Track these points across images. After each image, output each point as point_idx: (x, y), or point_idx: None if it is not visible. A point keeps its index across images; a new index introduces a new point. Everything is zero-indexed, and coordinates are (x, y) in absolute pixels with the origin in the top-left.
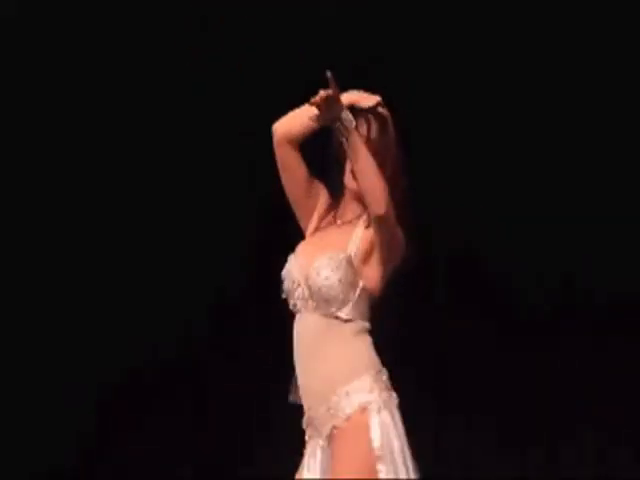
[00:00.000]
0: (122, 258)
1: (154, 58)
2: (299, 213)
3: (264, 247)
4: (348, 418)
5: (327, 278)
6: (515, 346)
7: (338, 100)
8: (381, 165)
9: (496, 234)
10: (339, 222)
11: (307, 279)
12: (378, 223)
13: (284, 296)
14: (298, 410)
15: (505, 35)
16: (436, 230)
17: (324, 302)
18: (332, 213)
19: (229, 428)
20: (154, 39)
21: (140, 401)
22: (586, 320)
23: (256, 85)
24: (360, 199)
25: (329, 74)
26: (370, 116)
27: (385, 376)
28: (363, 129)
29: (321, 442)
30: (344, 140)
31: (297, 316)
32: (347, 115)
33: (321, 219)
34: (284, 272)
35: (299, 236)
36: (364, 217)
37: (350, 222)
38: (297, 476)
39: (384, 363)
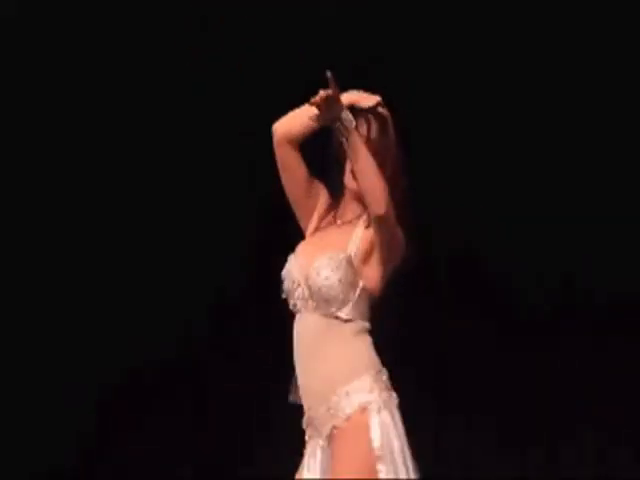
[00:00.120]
0: (122, 258)
1: (154, 58)
2: (299, 213)
3: (264, 247)
4: (348, 418)
5: (327, 278)
6: (515, 346)
7: (338, 100)
8: (381, 165)
9: (496, 234)
10: (339, 222)
11: (307, 279)
12: (378, 223)
13: (284, 296)
14: (298, 410)
15: (505, 35)
16: (436, 230)
17: (324, 302)
18: (332, 213)
19: (229, 428)
20: (154, 39)
21: (140, 401)
22: (586, 320)
23: (256, 85)
24: (360, 199)
25: (329, 74)
26: (370, 116)
27: (385, 376)
28: (363, 129)
29: (321, 442)
30: (344, 140)
31: (297, 316)
32: (347, 115)
33: (321, 219)
34: (284, 272)
35: (299, 236)
36: (364, 217)
37: (350, 222)
38: (297, 476)
39: (384, 363)
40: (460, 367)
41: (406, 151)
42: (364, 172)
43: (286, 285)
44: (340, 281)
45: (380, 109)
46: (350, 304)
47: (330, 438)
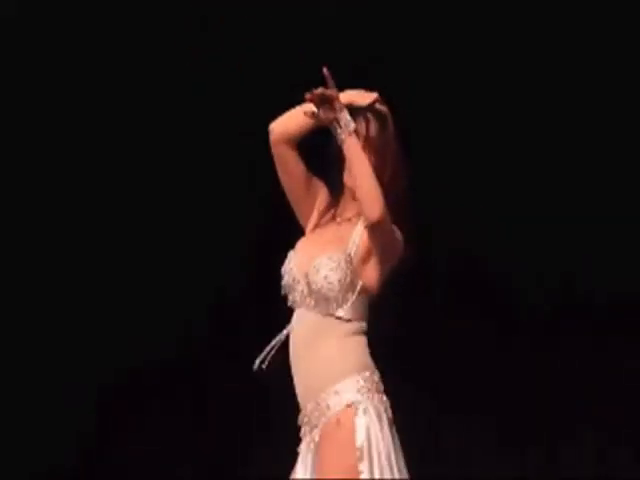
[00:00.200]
0: (122, 258)
1: (154, 58)
2: (299, 211)
3: (264, 247)
4: (334, 416)
5: (326, 277)
6: (515, 346)
7: (336, 98)
8: (381, 164)
9: (496, 234)
10: (338, 220)
11: (306, 277)
12: (372, 228)
13: (283, 292)
14: (298, 410)
15: (505, 35)
16: (436, 230)
17: (323, 301)
18: (332, 211)
19: (229, 428)
20: (154, 39)
21: (140, 401)
22: (586, 320)
23: (256, 85)
24: None
25: (326, 71)
26: (369, 114)
27: (377, 378)
28: (362, 127)
29: (311, 439)
30: (341, 142)
31: (296, 311)
32: (345, 116)
33: (321, 216)
34: (284, 268)
35: (299, 236)
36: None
37: (349, 220)
38: (292, 474)
39: (383, 363)
40: (460, 367)
41: (406, 151)
42: (360, 177)
43: (286, 281)
44: (339, 281)
45: (378, 106)
46: (349, 303)
47: (318, 436)
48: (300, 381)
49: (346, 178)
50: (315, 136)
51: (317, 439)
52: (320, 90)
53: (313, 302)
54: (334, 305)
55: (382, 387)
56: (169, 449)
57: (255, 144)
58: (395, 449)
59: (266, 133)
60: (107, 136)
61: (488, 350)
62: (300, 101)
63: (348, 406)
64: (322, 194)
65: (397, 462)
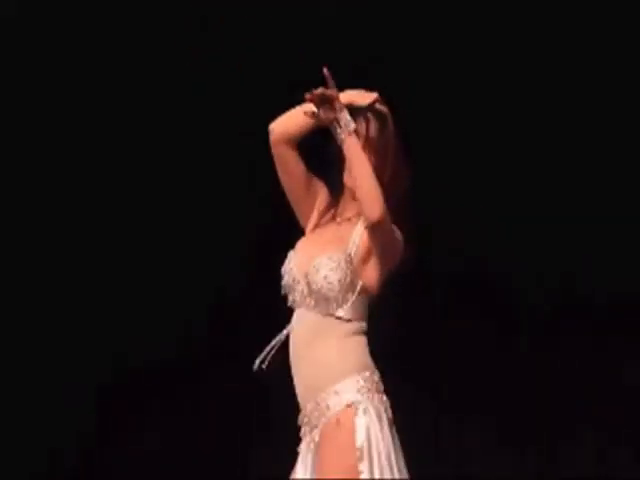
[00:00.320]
0: (122, 258)
1: (154, 58)
2: (298, 211)
3: (264, 247)
4: (334, 416)
5: (326, 277)
6: (515, 346)
7: (336, 98)
8: (381, 163)
9: (496, 234)
10: (338, 220)
11: (306, 277)
12: (372, 229)
13: (283, 292)
14: (298, 410)
15: (505, 35)
16: (436, 230)
17: (323, 301)
18: (332, 211)
19: (229, 428)
20: (154, 39)
21: (140, 401)
22: (586, 320)
23: (256, 85)
24: None
25: (326, 71)
26: (369, 114)
27: (377, 378)
28: (362, 127)
29: (313, 438)
30: (341, 143)
31: (296, 311)
32: (346, 116)
33: (321, 216)
34: (284, 268)
35: (299, 236)
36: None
37: (349, 220)
38: (292, 473)
39: (383, 363)
40: (460, 367)
41: (406, 151)
42: (360, 177)
43: (286, 281)
44: (339, 281)
45: (378, 106)
46: (349, 303)
47: (318, 436)
48: (300, 381)
49: (346, 178)
50: (315, 136)
51: (317, 439)
52: (320, 90)
53: (313, 302)
54: (334, 305)
55: (382, 387)
56: (169, 449)
57: (255, 144)
58: (395, 449)
59: (266, 133)
60: (107, 136)
61: (488, 350)
62: (300, 101)
63: (348, 406)
64: (322, 194)
65: (397, 462)
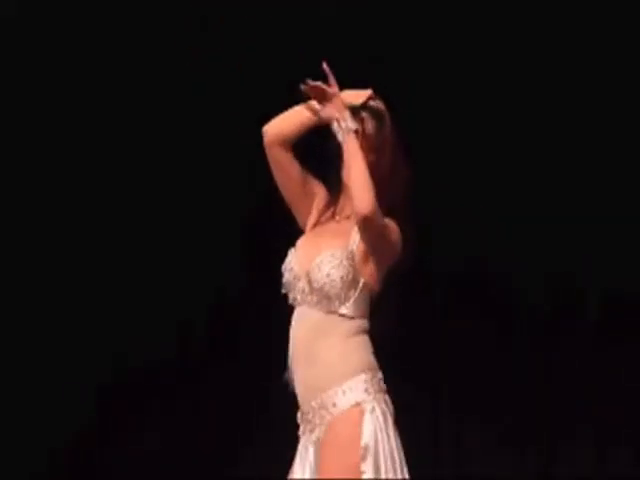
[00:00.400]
0: (122, 258)
1: (154, 58)
2: (296, 211)
3: (264, 247)
4: (341, 415)
5: (329, 275)
6: (515, 346)
7: (337, 96)
8: (379, 160)
9: (496, 234)
10: (337, 218)
11: (308, 275)
12: (363, 224)
13: (284, 290)
14: (298, 410)
15: (505, 35)
16: (436, 230)
17: (326, 299)
18: (331, 209)
19: (229, 428)
20: (154, 39)
21: (140, 401)
22: (586, 320)
23: (256, 85)
24: None
25: (326, 67)
26: (364, 113)
27: (380, 377)
28: (358, 126)
29: (313, 437)
30: (341, 141)
31: (296, 309)
32: (347, 115)
33: (320, 214)
34: (284, 266)
35: (299, 235)
36: None
37: (348, 218)
38: (290, 473)
39: (383, 362)
40: (460, 367)
41: (406, 148)
42: (353, 174)
43: (286, 279)
44: (342, 278)
45: (374, 103)
46: (351, 300)
47: (321, 434)
48: (301, 380)
49: (345, 176)
50: (312, 135)
51: (321, 437)
52: (321, 86)
53: (315, 300)
54: (336, 303)
55: (385, 387)
56: (169, 449)
57: (255, 144)
58: (398, 449)
59: None
60: (107, 136)
61: (488, 350)
62: (300, 101)
63: (355, 405)
64: (320, 193)
65: (400, 462)
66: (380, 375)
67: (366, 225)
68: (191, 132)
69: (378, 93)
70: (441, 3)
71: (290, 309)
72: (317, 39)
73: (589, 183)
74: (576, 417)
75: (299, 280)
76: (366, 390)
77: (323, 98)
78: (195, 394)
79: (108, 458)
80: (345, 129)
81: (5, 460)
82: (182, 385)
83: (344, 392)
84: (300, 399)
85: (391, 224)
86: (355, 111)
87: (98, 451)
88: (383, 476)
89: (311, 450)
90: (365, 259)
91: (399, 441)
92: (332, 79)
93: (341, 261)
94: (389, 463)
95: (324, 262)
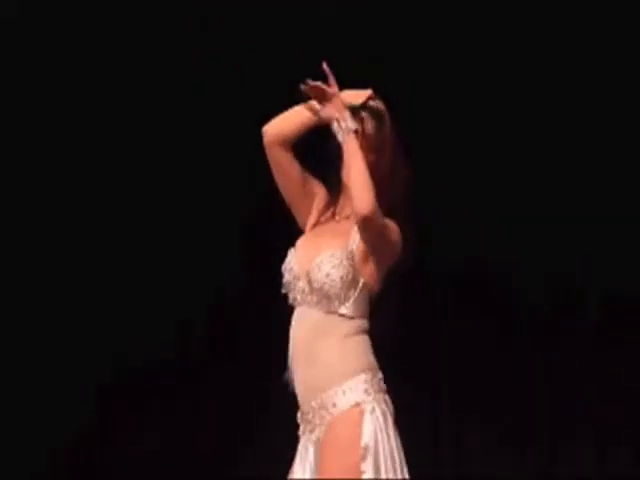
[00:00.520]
0: (122, 258)
1: (154, 58)
2: (295, 211)
3: (264, 247)
4: (341, 415)
5: (329, 275)
6: (515, 346)
7: (338, 96)
8: (379, 160)
9: (496, 234)
10: (337, 218)
11: (308, 274)
12: (362, 224)
13: (284, 290)
14: (298, 410)
15: (505, 35)
16: (436, 230)
17: (326, 299)
18: (331, 209)
19: (229, 428)
20: (154, 39)
21: (140, 401)
22: (586, 320)
23: (256, 85)
24: None
25: (326, 67)
26: (364, 112)
27: (380, 377)
28: (358, 127)
29: (313, 437)
30: (341, 142)
31: (296, 309)
32: (348, 115)
33: (320, 214)
34: (284, 266)
35: (298, 235)
36: None
37: (348, 218)
38: (290, 473)
39: (383, 362)
40: (460, 367)
41: (406, 148)
42: (353, 174)
43: (286, 279)
44: (341, 278)
45: (374, 103)
46: (351, 300)
47: (321, 434)
48: (300, 380)
49: (345, 176)
50: (312, 135)
51: (321, 437)
52: (321, 86)
53: (315, 300)
54: (336, 303)
55: (385, 387)
56: (169, 449)
57: (255, 144)
58: (398, 449)
59: None
60: (107, 136)
61: (488, 350)
62: (300, 101)
63: (355, 405)
64: (320, 193)
65: (400, 462)
66: (380, 375)
67: (366, 225)
68: (191, 132)
69: (378, 93)
70: (441, 3)
71: (290, 309)
72: (317, 39)
73: (589, 183)
74: (576, 417)
75: (299, 280)
76: (366, 390)
77: (323, 98)
78: (195, 394)
79: (108, 458)
80: (345, 129)
81: (5, 460)
82: (182, 385)
83: (344, 392)
84: (300, 399)
85: (391, 224)
86: (355, 111)
87: (98, 451)
88: (383, 476)
89: (311, 450)
90: (365, 259)
91: (399, 441)
92: (332, 79)
93: (341, 261)
94: (389, 463)
95: (324, 262)
